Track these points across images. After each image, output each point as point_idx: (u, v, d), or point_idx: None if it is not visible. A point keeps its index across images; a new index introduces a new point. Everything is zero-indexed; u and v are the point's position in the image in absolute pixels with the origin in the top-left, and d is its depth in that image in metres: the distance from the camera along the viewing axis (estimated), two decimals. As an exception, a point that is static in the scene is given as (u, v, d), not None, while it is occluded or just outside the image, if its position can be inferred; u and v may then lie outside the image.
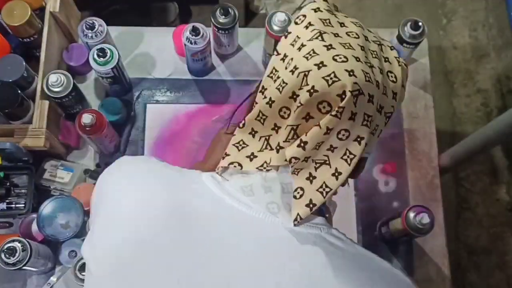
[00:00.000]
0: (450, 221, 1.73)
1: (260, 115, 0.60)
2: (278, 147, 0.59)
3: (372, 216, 1.10)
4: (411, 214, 0.96)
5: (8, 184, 1.02)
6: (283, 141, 0.58)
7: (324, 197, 0.58)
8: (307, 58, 0.56)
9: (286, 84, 0.57)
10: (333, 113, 0.54)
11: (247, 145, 0.62)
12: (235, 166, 0.61)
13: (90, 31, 1.05)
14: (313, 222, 0.59)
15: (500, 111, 1.87)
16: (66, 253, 1.01)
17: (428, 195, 1.13)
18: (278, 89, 0.58)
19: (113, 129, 1.08)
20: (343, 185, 0.61)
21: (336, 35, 0.59)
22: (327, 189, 0.58)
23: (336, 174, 0.58)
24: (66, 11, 1.12)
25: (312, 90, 0.54)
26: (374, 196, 1.12)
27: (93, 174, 1.09)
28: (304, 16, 0.61)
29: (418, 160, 1.15)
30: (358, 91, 0.54)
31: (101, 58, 1.02)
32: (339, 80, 0.54)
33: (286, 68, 0.58)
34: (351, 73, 0.54)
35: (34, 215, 1.01)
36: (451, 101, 1.92)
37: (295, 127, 0.57)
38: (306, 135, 0.56)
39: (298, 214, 0.58)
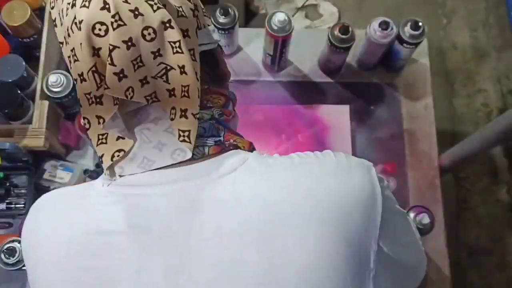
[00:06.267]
0: (450, 221, 1.73)
1: (85, 97, 0.51)
2: (97, 101, 0.50)
3: (372, 216, 1.10)
4: (412, 215, 0.96)
5: (8, 184, 1.02)
6: (96, 90, 0.49)
7: (192, 96, 0.50)
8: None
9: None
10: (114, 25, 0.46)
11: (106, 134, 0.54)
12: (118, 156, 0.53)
13: (90, 31, 1.05)
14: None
15: (500, 111, 1.87)
16: (66, 254, 1.00)
17: (428, 195, 1.13)
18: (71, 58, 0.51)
19: (113, 129, 1.07)
20: (226, 103, 0.57)
21: None
22: (186, 88, 0.49)
23: (182, 69, 0.49)
24: (66, 11, 1.12)
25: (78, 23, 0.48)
26: (374, 196, 1.12)
27: (93, 174, 1.09)
28: None
29: (418, 160, 1.15)
30: None
31: (101, 58, 1.02)
32: None
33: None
34: None
35: (34, 215, 1.01)
36: (451, 101, 1.92)
37: (93, 68, 0.48)
38: (112, 63, 0.47)
39: (183, 132, 0.50)
